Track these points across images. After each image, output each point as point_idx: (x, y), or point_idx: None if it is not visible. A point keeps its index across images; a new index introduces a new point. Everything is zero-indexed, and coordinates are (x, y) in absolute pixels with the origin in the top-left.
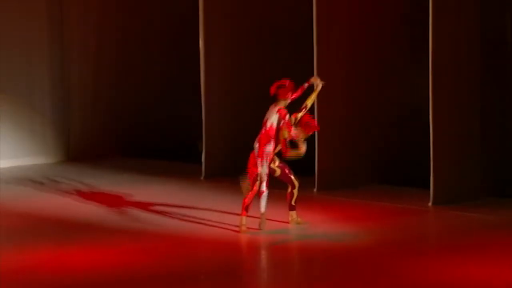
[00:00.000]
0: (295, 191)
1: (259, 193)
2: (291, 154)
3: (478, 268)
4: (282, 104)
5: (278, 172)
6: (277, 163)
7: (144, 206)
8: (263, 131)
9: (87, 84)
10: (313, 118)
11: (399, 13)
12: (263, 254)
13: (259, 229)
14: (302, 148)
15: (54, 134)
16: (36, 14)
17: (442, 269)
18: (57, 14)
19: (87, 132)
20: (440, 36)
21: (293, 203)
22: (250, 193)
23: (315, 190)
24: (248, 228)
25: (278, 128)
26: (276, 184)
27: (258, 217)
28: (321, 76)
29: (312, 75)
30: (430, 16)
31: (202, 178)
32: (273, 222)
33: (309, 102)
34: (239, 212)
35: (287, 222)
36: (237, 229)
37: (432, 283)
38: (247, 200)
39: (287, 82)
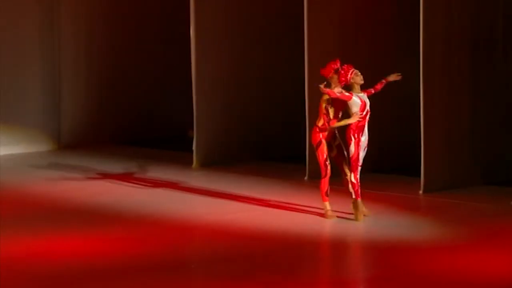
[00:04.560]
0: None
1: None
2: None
3: (467, 257)
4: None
5: (335, 152)
6: (337, 142)
7: (136, 194)
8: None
9: (79, 71)
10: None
11: (393, 5)
12: (254, 241)
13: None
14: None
15: (45, 122)
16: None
17: (430, 258)
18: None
19: (79, 120)
20: (432, 28)
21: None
22: (325, 178)
23: (306, 178)
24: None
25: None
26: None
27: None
28: (312, 64)
29: (303, 63)
30: (421, 9)
31: (193, 166)
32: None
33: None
34: (230, 199)
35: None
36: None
37: (420, 272)
38: (323, 186)
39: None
